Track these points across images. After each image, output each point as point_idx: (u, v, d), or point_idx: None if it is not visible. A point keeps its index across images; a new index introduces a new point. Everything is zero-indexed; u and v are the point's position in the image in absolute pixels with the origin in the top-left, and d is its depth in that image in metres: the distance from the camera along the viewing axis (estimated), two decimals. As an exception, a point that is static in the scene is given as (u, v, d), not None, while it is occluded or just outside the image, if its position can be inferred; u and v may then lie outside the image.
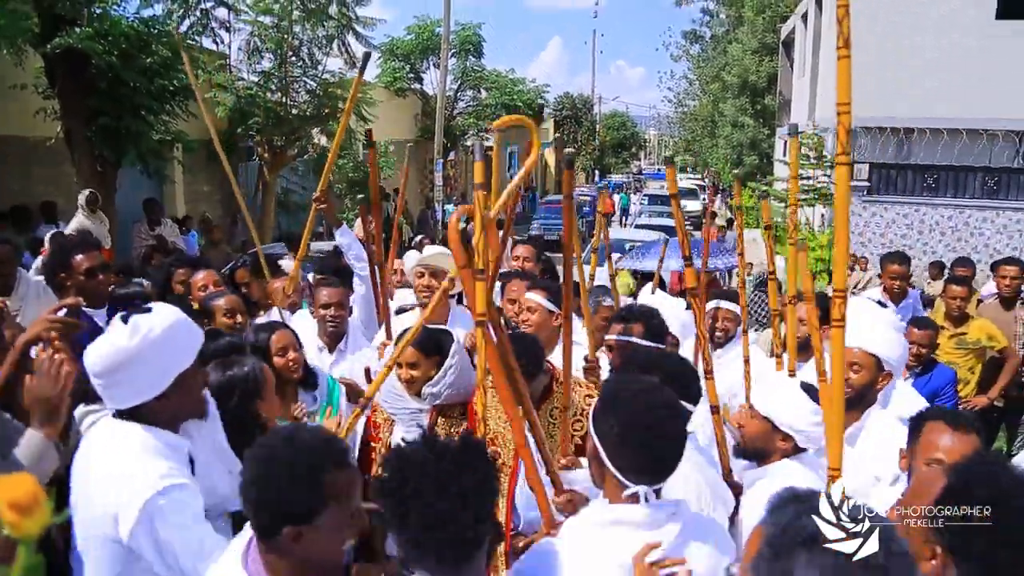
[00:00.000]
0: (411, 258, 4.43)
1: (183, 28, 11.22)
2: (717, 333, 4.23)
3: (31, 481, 0.71)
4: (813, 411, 2.41)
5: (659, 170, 59.69)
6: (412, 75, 23.40)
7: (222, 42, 13.82)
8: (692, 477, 2.30)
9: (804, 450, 2.51)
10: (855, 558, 1.08)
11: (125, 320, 2.03)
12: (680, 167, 57.49)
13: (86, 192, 8.56)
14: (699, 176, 47.69)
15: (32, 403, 2.08)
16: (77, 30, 8.29)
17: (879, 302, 4.19)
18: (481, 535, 1.57)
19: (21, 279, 4.27)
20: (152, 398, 2.04)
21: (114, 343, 1.99)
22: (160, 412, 2.07)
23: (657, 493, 1.81)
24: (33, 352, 2.22)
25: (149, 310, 2.09)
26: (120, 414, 2.07)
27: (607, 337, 3.25)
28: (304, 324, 4.09)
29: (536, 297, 3.63)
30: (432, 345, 2.82)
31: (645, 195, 31.80)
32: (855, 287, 8.93)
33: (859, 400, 2.94)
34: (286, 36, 13.91)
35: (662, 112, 59.69)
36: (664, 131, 70.92)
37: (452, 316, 3.93)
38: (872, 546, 1.10)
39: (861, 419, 2.95)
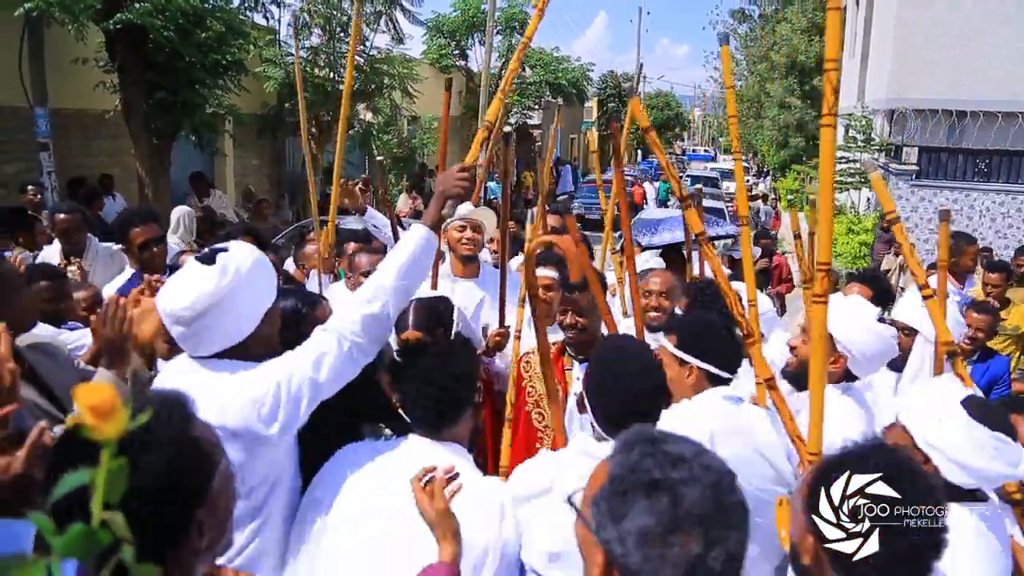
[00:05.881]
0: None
1: (235, 3, 11.44)
2: None
3: (110, 388, 0.73)
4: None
5: (705, 151, 59.01)
6: (457, 52, 23.45)
7: (272, 17, 14.06)
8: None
9: (854, 378, 2.63)
10: (687, 509, 1.07)
11: (207, 261, 1.89)
12: (724, 148, 56.77)
13: None
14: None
15: (100, 344, 2.18)
16: (137, 6, 8.53)
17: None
18: (465, 402, 1.97)
19: (91, 245, 4.55)
20: (241, 340, 1.92)
21: (204, 286, 1.84)
22: (243, 355, 1.93)
23: None
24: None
25: (226, 248, 1.94)
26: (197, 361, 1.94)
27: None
28: (340, 294, 4.08)
29: (551, 273, 3.52)
30: (432, 320, 2.75)
31: (687, 176, 31.50)
32: (887, 272, 8.87)
33: (803, 375, 2.75)
34: (335, 12, 14.10)
35: (707, 92, 58.85)
36: (708, 111, 69.93)
37: (483, 275, 3.99)
38: (705, 497, 1.08)
39: (806, 395, 2.74)
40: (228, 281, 1.86)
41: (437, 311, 2.78)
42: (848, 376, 2.70)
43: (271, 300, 2.00)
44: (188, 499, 1.17)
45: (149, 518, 1.07)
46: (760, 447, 2.28)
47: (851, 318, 2.70)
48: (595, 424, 1.98)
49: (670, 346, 2.43)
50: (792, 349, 2.82)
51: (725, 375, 2.41)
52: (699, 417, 2.26)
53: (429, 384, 1.90)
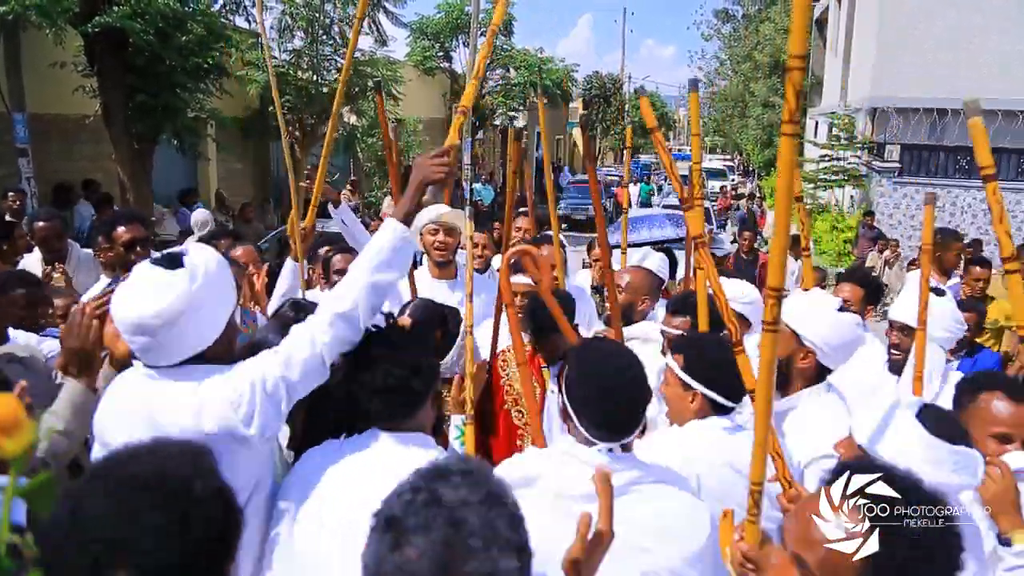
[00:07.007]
0: (422, 216, 4.14)
1: (216, 6, 11.39)
2: None
3: (12, 401, 0.67)
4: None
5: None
6: (441, 54, 23.41)
7: (254, 20, 14.01)
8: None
9: (826, 373, 2.59)
10: (403, 559, 1.01)
11: (169, 264, 1.77)
12: (710, 147, 57.00)
13: None
14: (728, 156, 47.31)
15: (67, 354, 2.10)
16: (116, 9, 8.47)
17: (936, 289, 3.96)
18: (420, 393, 1.91)
19: (72, 251, 4.53)
20: (208, 345, 1.82)
21: (175, 291, 1.73)
22: (201, 361, 1.82)
23: (624, 448, 1.88)
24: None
25: (186, 251, 1.83)
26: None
27: (661, 328, 3.33)
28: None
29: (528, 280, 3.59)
30: (432, 315, 2.75)
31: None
32: (871, 269, 8.94)
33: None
34: (317, 14, 14.07)
35: (692, 92, 58.97)
36: (694, 111, 70.05)
37: (460, 278, 3.88)
38: (431, 553, 1.00)
39: (794, 397, 2.65)
40: (198, 285, 1.75)
41: (441, 312, 2.78)
42: (822, 372, 2.67)
43: (234, 303, 1.92)
44: (224, 557, 1.09)
45: None
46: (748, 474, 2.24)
47: (812, 311, 2.64)
48: (580, 428, 1.88)
49: (676, 367, 2.33)
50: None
51: (728, 404, 2.31)
52: (690, 450, 2.20)
53: (382, 375, 1.86)
